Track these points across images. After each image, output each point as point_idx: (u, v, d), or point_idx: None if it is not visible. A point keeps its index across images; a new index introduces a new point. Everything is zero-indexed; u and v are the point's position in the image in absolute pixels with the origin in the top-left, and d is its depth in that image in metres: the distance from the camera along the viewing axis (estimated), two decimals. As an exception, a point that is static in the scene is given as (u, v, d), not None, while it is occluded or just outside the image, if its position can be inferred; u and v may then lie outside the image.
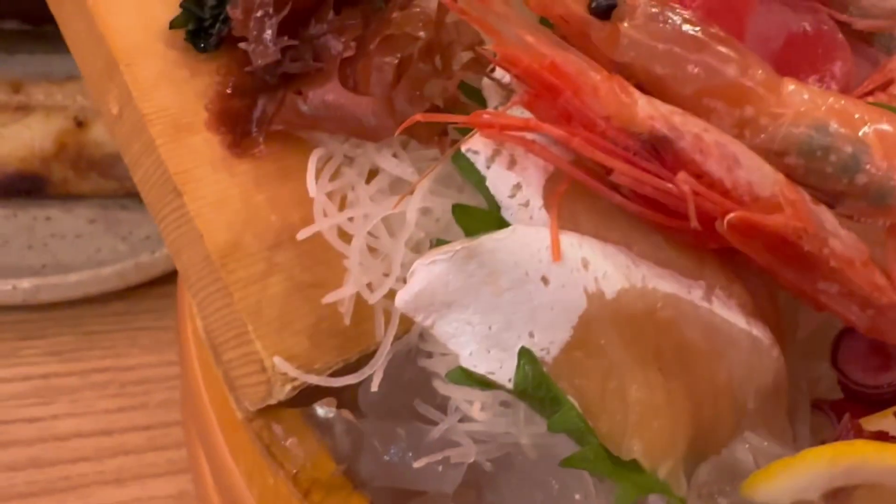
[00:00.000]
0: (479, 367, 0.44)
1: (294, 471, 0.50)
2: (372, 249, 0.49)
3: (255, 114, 0.49)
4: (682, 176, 0.46)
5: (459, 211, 0.46)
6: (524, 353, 0.44)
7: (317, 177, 0.49)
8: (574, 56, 0.47)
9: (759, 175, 0.49)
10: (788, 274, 0.51)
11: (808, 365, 0.59)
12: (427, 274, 0.44)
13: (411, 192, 0.46)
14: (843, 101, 0.53)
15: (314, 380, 0.48)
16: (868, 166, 0.51)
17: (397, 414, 0.53)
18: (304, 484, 0.50)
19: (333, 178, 0.50)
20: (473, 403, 0.45)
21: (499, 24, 0.46)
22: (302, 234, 0.47)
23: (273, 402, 0.49)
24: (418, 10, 0.49)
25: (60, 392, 0.80)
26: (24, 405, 0.79)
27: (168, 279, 0.89)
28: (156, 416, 0.80)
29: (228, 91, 0.49)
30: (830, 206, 0.52)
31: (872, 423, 0.53)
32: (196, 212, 0.48)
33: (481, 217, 0.46)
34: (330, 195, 0.50)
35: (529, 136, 0.46)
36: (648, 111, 0.46)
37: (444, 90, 0.47)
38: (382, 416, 0.54)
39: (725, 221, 0.46)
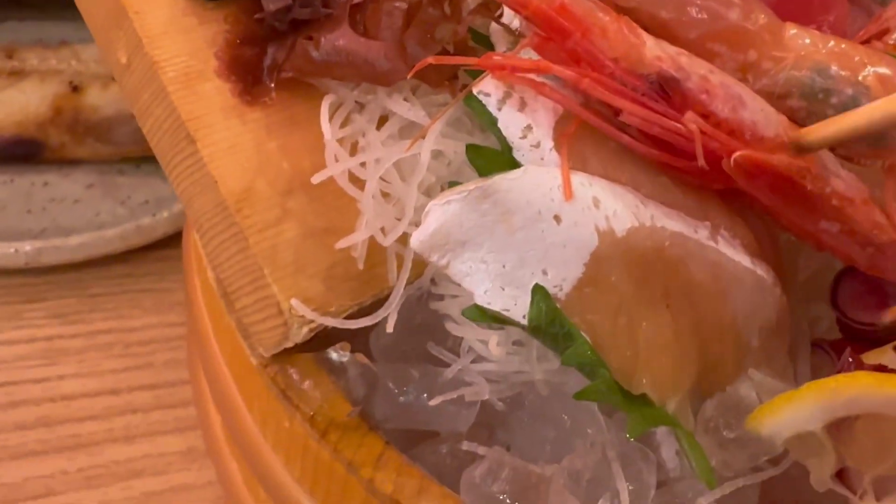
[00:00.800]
0: (494, 305, 0.45)
1: (311, 412, 0.51)
2: (384, 194, 0.50)
3: (265, 62, 0.49)
4: (689, 115, 0.47)
5: (473, 151, 0.46)
6: (538, 290, 0.45)
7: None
8: (582, -2, 0.48)
9: (762, 116, 0.50)
10: (791, 214, 0.52)
11: (807, 306, 0.61)
12: (442, 214, 0.44)
13: (423, 136, 0.47)
14: (843, 45, 0.54)
15: (330, 322, 0.49)
16: (868, 109, 0.52)
17: (409, 357, 0.54)
18: (321, 425, 0.51)
19: (344, 124, 0.51)
20: (489, 340, 0.46)
21: (507, -34, 0.47)
22: (315, 179, 0.48)
23: (289, 345, 0.50)
24: (427, -45, 0.49)
25: (66, 353, 0.81)
26: (31, 366, 0.79)
27: (168, 242, 0.89)
28: (161, 376, 0.80)
29: (238, 39, 0.50)
30: (831, 148, 0.53)
31: (872, 357, 0.54)
32: (209, 157, 0.48)
33: (494, 157, 0.47)
34: (341, 141, 0.50)
35: (539, 78, 0.47)
36: (656, 52, 0.47)
37: (455, 34, 0.47)
38: (394, 360, 0.55)
39: (732, 160, 0.47)
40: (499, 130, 0.46)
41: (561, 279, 0.45)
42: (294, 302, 0.48)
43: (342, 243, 0.49)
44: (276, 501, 0.58)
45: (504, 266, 0.45)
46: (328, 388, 0.52)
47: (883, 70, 0.54)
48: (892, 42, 0.58)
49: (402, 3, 0.48)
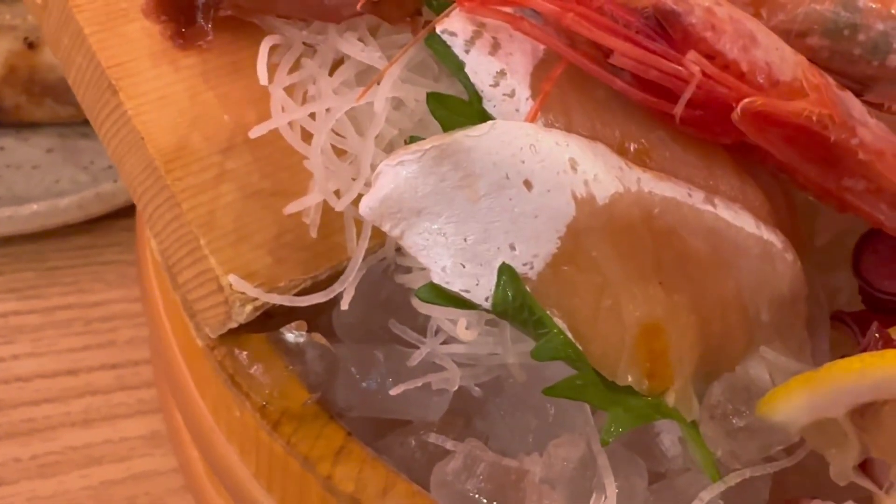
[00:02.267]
0: (453, 285, 0.39)
1: (262, 401, 0.45)
2: (339, 151, 0.43)
3: (199, -2, 0.42)
4: (692, 56, 0.40)
5: (434, 100, 0.40)
6: (504, 270, 0.39)
7: (273, 69, 0.43)
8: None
9: (778, 56, 0.43)
10: (810, 170, 0.45)
11: (826, 275, 0.54)
12: (394, 177, 0.38)
13: (378, 82, 0.40)
14: (873, -27, 0.47)
15: (277, 299, 0.43)
16: (901, 47, 0.45)
17: (376, 337, 0.48)
18: (273, 415, 0.45)
19: (292, 70, 0.44)
20: (458, 322, 0.40)
21: None
22: (255, 132, 0.41)
23: (233, 325, 0.44)
24: None
25: (21, 331, 0.75)
26: (-17, 346, 0.74)
27: (132, 211, 0.82)
28: (124, 355, 0.75)
29: (170, -27, 0.43)
30: (857, 93, 0.47)
31: (904, 332, 0.48)
32: (135, 111, 0.42)
33: (460, 108, 0.40)
34: (289, 90, 0.44)
35: (515, 12, 0.40)
36: (652, -20, 0.40)
37: (415, -40, 0.40)
38: (359, 339, 0.49)
39: (740, 108, 0.41)
40: (465, 76, 0.40)
41: (531, 255, 0.39)
42: (233, 278, 0.42)
43: (291, 208, 0.43)
44: (234, 496, 0.52)
45: (466, 239, 0.39)
46: (282, 373, 0.46)
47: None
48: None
49: (354, -74, 0.41)
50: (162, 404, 0.67)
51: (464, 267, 0.39)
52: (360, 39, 0.43)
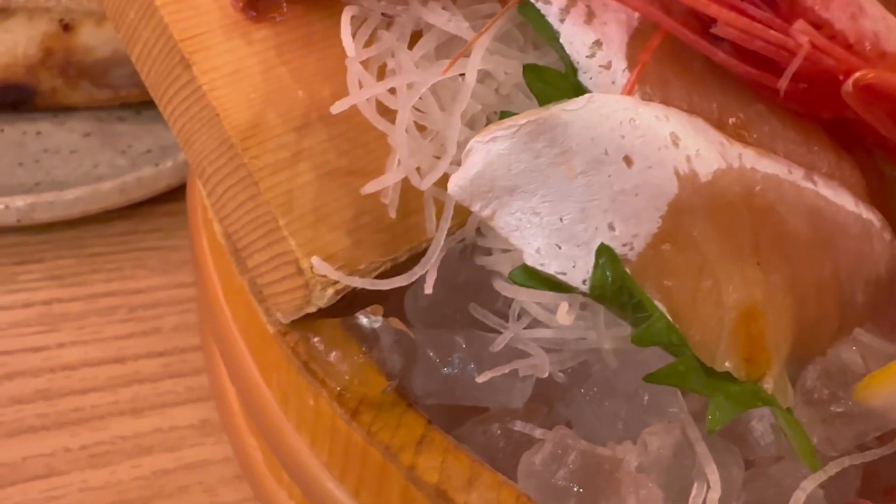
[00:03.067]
0: (548, 266, 0.37)
1: (339, 388, 0.43)
2: (420, 127, 0.41)
3: (273, -33, 0.40)
4: (800, 25, 0.38)
5: (531, 72, 0.38)
6: (603, 251, 0.37)
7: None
8: None
9: (884, 25, 0.41)
10: (912, 147, 0.43)
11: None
12: (486, 154, 0.36)
13: (467, 53, 0.38)
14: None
15: (359, 282, 0.41)
16: None
17: (452, 322, 0.46)
18: (352, 403, 0.44)
19: (369, 43, 0.42)
20: (559, 307, 0.38)
21: None
22: (336, 108, 0.39)
23: (312, 310, 0.42)
24: None
25: (65, 318, 0.73)
26: (27, 333, 0.72)
27: (173, 196, 0.81)
28: (170, 342, 0.73)
29: (240, -58, 0.41)
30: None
31: None
32: (209, 85, 0.40)
33: (556, 81, 0.38)
34: (366, 63, 0.42)
35: (610, -22, 0.38)
36: (758, -58, 0.38)
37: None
38: (433, 324, 0.47)
39: (852, 81, 0.38)
40: (561, 47, 0.38)
41: (632, 235, 0.37)
42: (315, 260, 0.40)
43: (370, 187, 0.41)
44: (302, 486, 0.51)
45: (562, 219, 0.37)
46: (358, 360, 0.44)
47: None
48: None
49: None
50: (214, 391, 0.65)
51: (559, 248, 0.37)
52: (443, 8, 0.40)
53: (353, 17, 0.42)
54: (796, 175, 0.41)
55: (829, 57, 0.38)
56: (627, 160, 0.37)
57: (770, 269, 0.42)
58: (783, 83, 0.38)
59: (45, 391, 0.69)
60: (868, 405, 0.44)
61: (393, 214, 0.42)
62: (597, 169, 0.37)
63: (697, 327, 0.39)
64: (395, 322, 0.44)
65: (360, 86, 0.41)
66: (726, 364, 0.40)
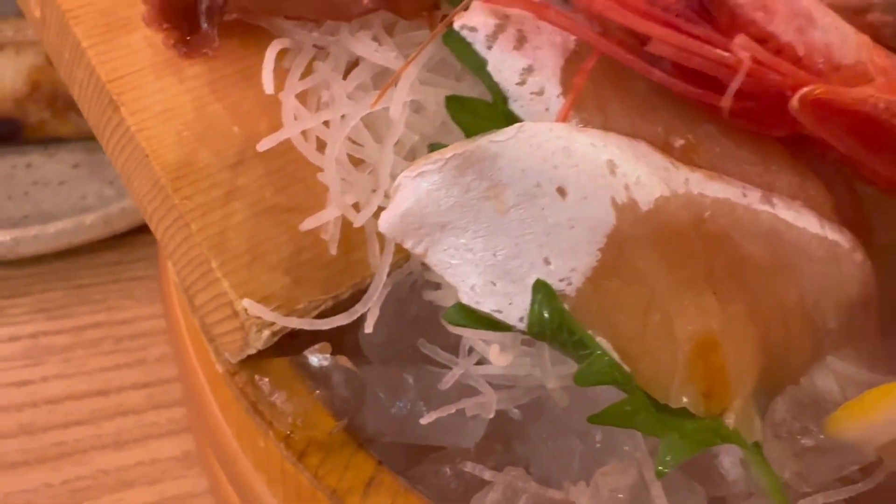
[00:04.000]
0: (484, 304, 0.35)
1: (286, 431, 0.42)
2: (356, 161, 0.40)
3: (202, 2, 0.39)
4: (740, 40, 0.36)
5: (454, 103, 0.36)
6: (539, 287, 0.35)
7: (284, 75, 0.39)
8: None
9: (838, 36, 0.39)
10: (877, 162, 0.41)
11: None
12: (414, 189, 0.34)
13: (395, 84, 0.36)
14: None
15: (296, 323, 0.40)
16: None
17: (407, 356, 0.45)
18: (299, 445, 0.42)
19: (305, 75, 0.41)
20: (491, 347, 0.36)
21: None
22: (263, 145, 0.38)
23: (251, 351, 0.41)
24: None
25: (51, 352, 0.73)
26: (13, 368, 0.72)
27: (163, 224, 0.81)
28: (154, 373, 0.73)
29: (171, -23, 0.40)
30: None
31: None
32: (138, 126, 0.39)
33: (483, 111, 0.36)
34: (303, 97, 0.40)
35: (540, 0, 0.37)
36: (694, -43, 0.36)
37: (430, -53, 0.37)
38: (389, 359, 0.45)
39: (798, 98, 0.36)
40: (488, 76, 0.36)
41: (569, 270, 0.35)
42: (248, 302, 0.39)
43: (308, 224, 0.40)
44: (265, 526, 0.50)
45: (495, 255, 0.35)
46: (306, 400, 0.43)
47: None
48: None
49: (364, -86, 0.37)
50: (190, 424, 0.65)
51: (494, 285, 0.36)
52: (374, 39, 0.39)
53: (287, 51, 0.41)
54: (752, 198, 0.39)
55: (774, 72, 0.36)
56: (561, 191, 0.35)
57: (728, 298, 0.40)
58: (726, 101, 0.36)
59: (27, 426, 0.69)
60: (842, 438, 0.41)
61: (333, 251, 0.41)
62: (529, 202, 0.35)
63: (648, 363, 0.37)
64: (343, 360, 0.43)
65: (295, 119, 0.40)
66: (683, 400, 0.38)
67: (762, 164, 0.41)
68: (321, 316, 0.41)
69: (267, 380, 0.43)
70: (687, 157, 0.39)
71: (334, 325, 0.40)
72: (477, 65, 0.36)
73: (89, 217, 0.76)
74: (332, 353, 0.45)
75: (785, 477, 0.42)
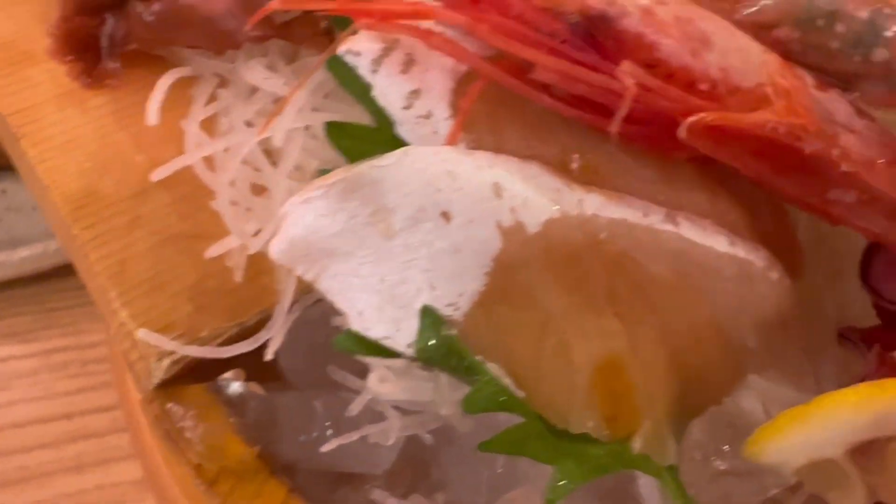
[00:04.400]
0: (372, 331, 0.35)
1: (196, 459, 0.42)
2: (258, 187, 0.40)
3: (103, 34, 0.40)
4: (625, 66, 0.35)
5: (334, 130, 0.36)
6: (426, 312, 0.35)
7: (187, 103, 0.40)
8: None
9: (739, 58, 0.38)
10: (786, 184, 0.40)
11: (836, 285, 0.48)
12: (301, 216, 0.34)
13: (280, 112, 0.36)
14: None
15: (197, 352, 0.40)
16: (891, 35, 0.39)
17: (326, 382, 0.44)
18: (209, 473, 0.42)
19: (210, 101, 0.41)
20: (370, 374, 0.36)
21: None
22: (157, 174, 0.38)
23: (156, 381, 0.41)
24: None
25: (19, 376, 0.74)
26: (-20, 392, 0.73)
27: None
28: (118, 396, 0.73)
29: (75, 10, 0.40)
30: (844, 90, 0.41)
31: (910, 355, 0.42)
32: (38, 158, 0.39)
33: (367, 136, 0.36)
34: (209, 123, 0.41)
35: (429, 26, 0.36)
36: (578, -22, 0.35)
37: (315, -27, 0.37)
38: (310, 384, 0.45)
39: (686, 126, 0.36)
40: (372, 101, 0.36)
41: (456, 295, 0.35)
42: (143, 332, 0.39)
43: (212, 251, 0.40)
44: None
45: (382, 280, 0.35)
46: (218, 427, 0.43)
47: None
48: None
49: (253, -58, 0.37)
50: (133, 450, 0.65)
51: (382, 311, 0.35)
52: (269, 66, 0.39)
53: (195, 79, 0.41)
54: (654, 218, 0.39)
55: (662, 98, 0.35)
56: (445, 216, 0.35)
57: (633, 320, 0.39)
58: (613, 128, 0.35)
59: (-8, 450, 0.69)
60: (760, 460, 0.40)
61: (239, 278, 0.41)
62: (414, 227, 0.35)
63: (545, 388, 0.37)
64: (255, 387, 0.43)
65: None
66: (585, 424, 0.38)
67: (668, 183, 0.40)
68: (228, 342, 0.41)
69: (178, 407, 0.43)
70: (586, 178, 0.38)
71: (236, 352, 0.40)
72: (362, 90, 0.36)
73: (54, 243, 0.77)
74: (260, 378, 0.45)
75: (703, 501, 0.41)
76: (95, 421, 0.72)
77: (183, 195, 0.41)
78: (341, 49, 0.36)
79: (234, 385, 0.44)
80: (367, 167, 0.34)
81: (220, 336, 0.41)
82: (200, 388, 0.44)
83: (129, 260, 0.39)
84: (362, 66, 0.36)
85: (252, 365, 0.45)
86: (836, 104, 0.40)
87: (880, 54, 0.39)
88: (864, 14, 0.39)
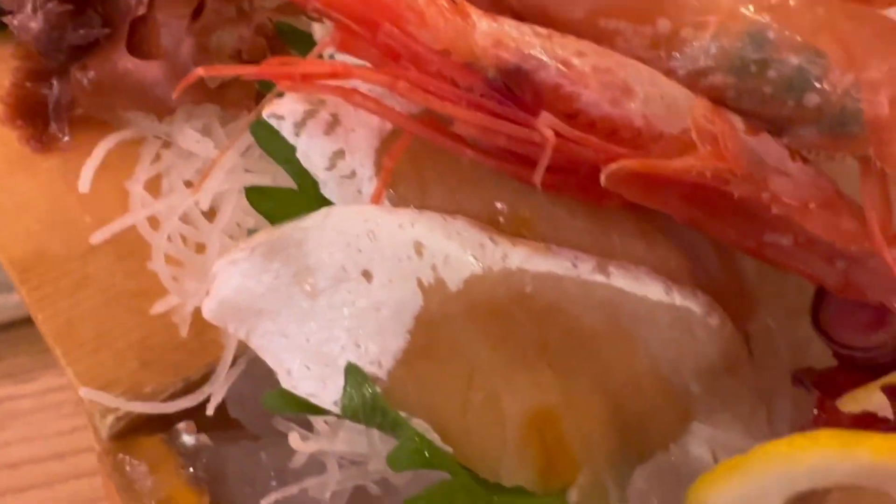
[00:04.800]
0: (299, 388, 0.36)
1: (150, 510, 0.43)
2: (199, 246, 0.41)
3: (50, 99, 0.41)
4: (544, 118, 0.35)
5: (254, 194, 0.37)
6: (351, 370, 0.35)
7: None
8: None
9: (661, 106, 0.38)
10: (720, 228, 0.40)
11: (792, 325, 0.48)
12: (229, 277, 0.35)
13: (207, 176, 0.37)
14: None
15: (140, 407, 0.41)
16: (821, 83, 0.39)
17: (271, 431, 0.45)
18: (161, 524, 0.43)
19: (154, 161, 0.42)
20: (315, 422, 0.37)
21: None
22: (95, 238, 0.40)
23: (103, 436, 0.42)
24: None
25: (14, 416, 0.76)
26: (-23, 433, 0.75)
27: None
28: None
29: (27, 77, 0.42)
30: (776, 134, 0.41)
31: (855, 401, 0.41)
32: (-12, 223, 0.41)
33: (289, 198, 0.37)
34: (153, 183, 0.42)
35: (353, 85, 0.37)
36: (493, 37, 0.36)
37: (240, 39, 0.38)
38: (258, 433, 0.46)
39: (606, 174, 0.36)
40: (295, 164, 0.37)
41: (379, 353, 0.35)
42: (84, 391, 0.40)
43: (157, 308, 0.41)
44: None
45: (308, 339, 0.36)
46: (170, 478, 0.44)
47: (844, 26, 0.41)
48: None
49: (185, 10, 0.38)
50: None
51: (309, 369, 0.36)
52: (203, 128, 0.40)
53: (143, 140, 0.43)
54: (583, 268, 0.39)
55: (582, 147, 0.36)
56: (367, 275, 0.35)
57: (566, 371, 0.39)
58: (536, 178, 0.35)
59: (-14, 491, 0.71)
60: (702, 510, 0.40)
61: (184, 333, 0.42)
62: (337, 286, 0.35)
63: (473, 442, 0.37)
64: (204, 438, 0.44)
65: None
66: (516, 477, 0.38)
67: (601, 232, 0.40)
68: (174, 397, 0.42)
69: (130, 459, 0.44)
70: (515, 230, 0.39)
71: (179, 408, 0.41)
72: (283, 154, 0.37)
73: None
74: (218, 426, 0.46)
75: (650, 548, 0.41)
76: (86, 460, 0.73)
77: (129, 253, 0.42)
78: (265, 112, 0.37)
79: (186, 436, 0.45)
80: (290, 228, 0.35)
81: (165, 391, 0.42)
82: (155, 439, 0.45)
83: (76, 319, 0.41)
84: (285, 129, 0.37)
85: (207, 415, 0.46)
86: (768, 147, 0.40)
87: (811, 99, 0.39)
88: (794, 60, 0.39)
